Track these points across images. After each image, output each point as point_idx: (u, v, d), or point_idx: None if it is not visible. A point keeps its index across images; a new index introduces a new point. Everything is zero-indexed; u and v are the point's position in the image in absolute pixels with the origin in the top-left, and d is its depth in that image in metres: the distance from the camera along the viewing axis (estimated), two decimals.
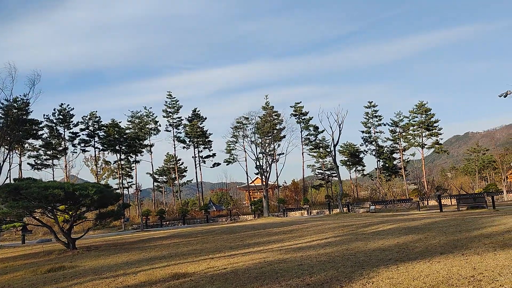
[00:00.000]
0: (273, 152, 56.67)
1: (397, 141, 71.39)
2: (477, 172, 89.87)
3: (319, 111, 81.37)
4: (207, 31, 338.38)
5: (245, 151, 64.61)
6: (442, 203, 51.02)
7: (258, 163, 53.23)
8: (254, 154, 53.38)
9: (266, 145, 56.91)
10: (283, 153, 57.30)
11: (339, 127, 49.48)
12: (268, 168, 52.77)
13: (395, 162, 72.54)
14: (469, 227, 16.08)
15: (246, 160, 65.60)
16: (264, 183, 51.96)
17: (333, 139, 50.51)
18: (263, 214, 51.37)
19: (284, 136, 58.82)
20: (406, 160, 72.19)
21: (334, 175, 74.52)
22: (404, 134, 70.78)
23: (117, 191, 41.40)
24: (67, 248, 19.91)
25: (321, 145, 68.94)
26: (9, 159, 51.51)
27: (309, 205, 55.11)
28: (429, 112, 68.68)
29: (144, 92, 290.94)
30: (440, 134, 68.97)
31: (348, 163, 74.67)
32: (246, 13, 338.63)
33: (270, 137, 59.01)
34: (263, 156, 54.09)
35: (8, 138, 45.36)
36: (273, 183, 67.10)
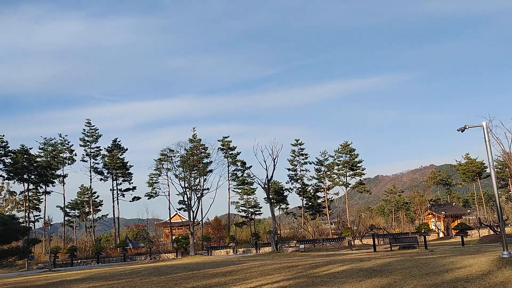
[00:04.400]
0: (199, 187, 53.88)
1: (322, 180, 71.72)
2: (393, 213, 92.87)
3: (254, 144, 79.51)
4: (133, 64, 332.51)
5: (168, 186, 61.34)
6: (366, 242, 51.22)
7: (185, 198, 50.23)
8: (183, 188, 50.36)
9: (192, 179, 54.06)
10: (208, 188, 54.28)
11: (274, 162, 48.28)
12: (196, 203, 49.92)
13: (319, 201, 72.62)
14: (432, 269, 14.77)
15: (169, 195, 62.17)
16: (191, 219, 48.88)
17: (267, 173, 49.14)
18: (187, 252, 48.00)
19: (211, 171, 56.43)
20: (330, 199, 72.56)
21: (257, 212, 73.06)
22: (329, 173, 71.37)
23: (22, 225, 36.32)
24: None
25: (247, 181, 67.29)
26: None
27: (235, 243, 52.64)
28: (353, 152, 70.10)
29: (62, 121, 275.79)
30: (364, 174, 70.44)
31: (272, 200, 73.56)
32: (173, 49, 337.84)
33: (196, 171, 56.30)
34: (189, 191, 51.17)
35: None
36: (197, 220, 63.95)
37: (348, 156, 69.95)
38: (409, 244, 33.91)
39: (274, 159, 48.20)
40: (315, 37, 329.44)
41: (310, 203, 71.68)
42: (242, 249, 52.72)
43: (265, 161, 51.74)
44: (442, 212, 59.13)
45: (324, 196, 71.79)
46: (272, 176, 49.36)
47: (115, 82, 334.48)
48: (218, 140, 65.71)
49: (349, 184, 70.29)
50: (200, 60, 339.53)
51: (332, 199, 73.82)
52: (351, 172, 69.79)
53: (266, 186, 49.77)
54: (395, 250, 33.00)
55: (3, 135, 59.44)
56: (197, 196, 51.07)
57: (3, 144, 58.31)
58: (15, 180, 59.20)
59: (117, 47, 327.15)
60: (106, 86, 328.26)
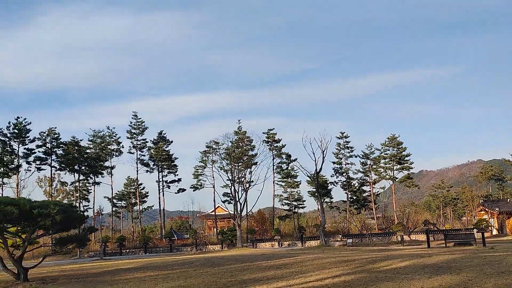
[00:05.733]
0: (244, 179, 53.78)
1: (368, 174, 70.12)
2: (440, 209, 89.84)
3: (303, 135, 78.93)
4: (175, 58, 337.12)
5: (214, 178, 61.59)
6: (415, 238, 49.63)
7: (230, 190, 50.24)
8: (230, 180, 50.39)
9: (237, 171, 54.00)
10: (252, 181, 54.00)
11: (323, 154, 47.43)
12: (243, 196, 49.83)
13: (364, 195, 71.07)
14: (507, 267, 13.79)
15: (214, 187, 62.40)
16: (237, 212, 48.85)
17: (316, 166, 48.44)
18: (233, 244, 48.07)
19: (256, 163, 56.11)
20: (376, 193, 70.92)
21: (301, 206, 72.34)
22: (375, 166, 69.70)
23: None
24: (16, 280, 16.25)
25: (292, 174, 66.65)
26: None
27: (280, 236, 52.25)
28: (400, 146, 68.08)
29: (108, 115, 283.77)
30: (412, 168, 68.36)
31: (316, 194, 72.58)
32: (213, 44, 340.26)
33: (241, 164, 56.21)
34: (235, 184, 51.17)
35: None
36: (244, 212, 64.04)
37: (395, 149, 68.02)
38: (465, 240, 32.42)
39: (323, 151, 47.37)
40: (355, 29, 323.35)
41: (355, 197, 70.28)
42: (287, 242, 52.25)
43: (313, 153, 50.55)
44: (496, 209, 56.36)
45: (369, 190, 70.20)
46: (321, 169, 48.53)
47: (158, 77, 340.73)
48: (263, 133, 65.35)
49: (396, 178, 68.38)
50: (239, 54, 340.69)
51: (378, 193, 72.11)
52: (399, 166, 67.82)
53: (314, 178, 49.04)
54: (450, 246, 31.62)
55: (55, 127, 61.41)
56: (244, 188, 50.92)
57: (55, 136, 60.12)
58: (66, 171, 61.04)
59: (160, 42, 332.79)
60: (150, 80, 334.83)
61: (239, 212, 48.78)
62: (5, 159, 56.49)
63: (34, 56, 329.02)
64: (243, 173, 55.14)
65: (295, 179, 67.90)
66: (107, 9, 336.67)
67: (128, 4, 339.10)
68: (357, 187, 70.22)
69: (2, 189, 56.88)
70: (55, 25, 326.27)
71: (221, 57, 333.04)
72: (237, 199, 49.48)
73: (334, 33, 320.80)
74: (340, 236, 53.27)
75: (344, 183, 69.67)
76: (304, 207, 73.58)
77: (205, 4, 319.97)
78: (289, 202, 70.65)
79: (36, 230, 16.97)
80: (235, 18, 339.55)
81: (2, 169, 56.54)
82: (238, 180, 53.40)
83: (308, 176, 52.49)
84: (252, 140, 59.81)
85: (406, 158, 67.68)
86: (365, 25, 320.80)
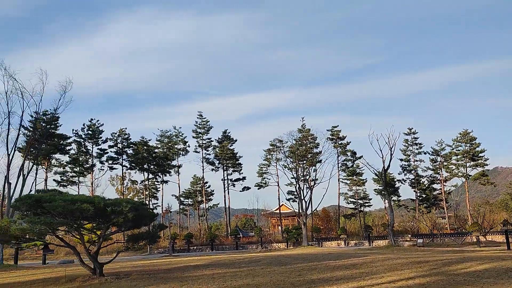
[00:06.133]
0: (309, 177, 53.27)
1: (438, 171, 67.13)
2: None
3: (369, 132, 77.22)
4: (238, 58, 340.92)
5: (278, 176, 61.57)
6: (491, 239, 46.67)
7: (295, 188, 49.92)
8: (295, 178, 50.13)
9: (302, 169, 53.57)
10: (317, 179, 53.23)
11: (391, 151, 46.03)
12: (308, 194, 49.38)
13: (434, 193, 68.12)
14: None
15: (279, 185, 62.38)
16: (303, 210, 48.50)
17: (383, 163, 47.12)
18: (298, 243, 47.77)
19: (320, 161, 55.34)
20: (447, 192, 67.75)
21: (366, 204, 70.57)
22: (445, 163, 66.61)
23: None
24: (92, 274, 16.96)
25: (357, 171, 65.19)
26: (34, 173, 49.47)
27: (346, 235, 51.25)
28: (474, 141, 64.51)
29: (174, 115, 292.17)
30: (487, 164, 64.57)
31: (382, 192, 70.50)
32: (276, 42, 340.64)
33: (305, 162, 55.73)
34: (299, 182, 50.80)
35: (34, 151, 43.36)
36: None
37: (468, 145, 64.55)
38: None
39: (391, 148, 45.94)
40: (421, 22, 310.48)
41: (424, 195, 67.55)
42: (353, 241, 51.16)
43: (381, 150, 49.05)
44: None
45: (440, 188, 67.17)
46: (389, 166, 47.02)
47: (221, 77, 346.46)
48: (327, 130, 64.43)
49: (469, 175, 64.86)
50: (302, 51, 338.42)
51: (450, 191, 68.84)
52: (472, 163, 64.29)
53: (382, 176, 47.64)
54: None
55: (125, 128, 64.22)
56: (309, 186, 50.42)
57: (126, 136, 62.84)
58: (136, 170, 63.60)
59: (222, 43, 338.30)
60: (213, 80, 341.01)
61: (304, 210, 48.37)
62: (80, 159, 59.76)
63: (104, 61, 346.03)
64: (308, 171, 54.61)
65: (360, 177, 66.42)
66: (171, 13, 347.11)
67: (191, 7, 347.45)
68: (426, 185, 67.48)
69: (78, 187, 60.26)
70: (123, 31, 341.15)
71: (284, 55, 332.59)
72: (302, 197, 49.07)
73: (397, 27, 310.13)
74: (409, 236, 51.38)
75: (413, 181, 67.20)
76: (370, 205, 71.78)
77: (267, 3, 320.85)
78: (355, 200, 69.21)
79: (109, 227, 17.62)
80: (297, 16, 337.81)
81: (78, 168, 59.87)
82: (303, 178, 52.95)
83: (375, 173, 51.09)
84: (316, 137, 59.25)
85: (480, 154, 64.05)
86: (430, 18, 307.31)
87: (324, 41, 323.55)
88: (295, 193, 57.58)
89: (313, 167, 54.60)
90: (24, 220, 16.33)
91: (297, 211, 58.82)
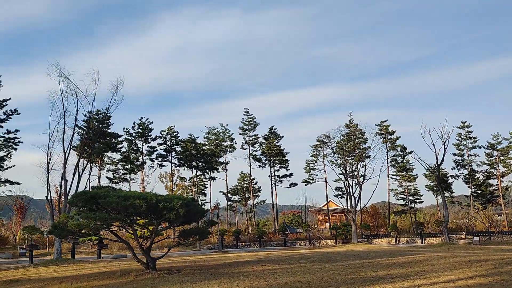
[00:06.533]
0: (357, 173, 52.31)
1: (495, 166, 64.21)
2: None
3: (421, 126, 74.84)
4: (282, 55, 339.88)
5: (325, 172, 60.92)
6: None
7: (344, 185, 49.17)
8: (343, 175, 49.40)
9: (350, 165, 52.71)
10: (366, 175, 52.05)
11: (444, 145, 44.50)
12: (358, 190, 48.56)
13: (490, 189, 65.21)
14: None
15: (326, 181, 61.69)
16: (352, 206, 47.74)
17: (436, 158, 45.61)
18: (347, 240, 47.10)
19: (369, 156, 54.16)
20: (505, 187, 64.66)
21: (417, 200, 68.58)
22: (503, 158, 63.58)
23: None
24: (146, 269, 17.30)
25: (407, 167, 63.41)
26: (88, 171, 51.31)
27: (397, 233, 49.99)
28: None
29: (220, 113, 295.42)
30: None
31: (435, 188, 68.22)
32: (321, 37, 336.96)
33: (353, 157, 54.77)
34: (348, 178, 50.00)
35: (88, 150, 44.91)
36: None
37: None
38: None
39: (445, 142, 44.33)
40: (475, 10, 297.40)
41: (479, 191, 64.82)
42: (404, 238, 49.82)
43: (433, 145, 47.31)
44: None
45: (497, 184, 64.22)
46: (442, 161, 45.39)
47: (267, 73, 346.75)
48: (376, 125, 62.95)
49: None
50: (348, 46, 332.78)
51: (508, 187, 65.64)
52: None
53: (435, 171, 46.12)
54: None
55: (174, 126, 65.53)
56: (358, 182, 49.53)
57: (174, 134, 64.07)
58: (185, 167, 64.77)
59: (267, 40, 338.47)
60: (258, 77, 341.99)
61: (353, 206, 47.56)
62: (131, 156, 61.48)
63: (152, 61, 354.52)
64: (356, 167, 53.65)
65: (411, 173, 64.59)
66: (216, 11, 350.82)
67: (236, 5, 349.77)
68: (481, 181, 64.72)
69: (129, 184, 62.01)
70: (169, 32, 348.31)
71: (330, 50, 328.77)
72: (351, 193, 48.25)
73: (450, 17, 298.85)
74: (464, 233, 49.49)
75: (467, 176, 64.64)
76: (421, 201, 69.65)
77: None
78: (405, 196, 67.37)
79: (161, 223, 17.90)
80: (342, 10, 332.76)
81: (129, 166, 61.65)
82: (351, 174, 52.09)
83: (427, 169, 49.45)
84: (365, 132, 58.00)
85: None
86: (485, 7, 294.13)
87: (370, 35, 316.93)
88: (343, 189, 56.78)
89: (362, 163, 53.56)
90: (81, 215, 16.88)
91: (345, 207, 57.97)
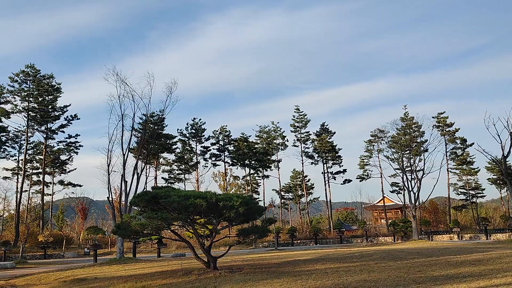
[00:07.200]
0: (415, 168, 50.59)
1: None
2: None
3: (485, 116, 71.51)
4: (329, 51, 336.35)
5: (380, 167, 59.43)
6: None
7: (399, 180, 47.72)
8: (401, 169, 47.95)
9: (406, 160, 51.06)
10: (424, 170, 50.09)
11: (511, 136, 42.21)
12: (417, 185, 46.95)
13: None
14: None
15: (381, 177, 60.17)
16: (411, 202, 46.23)
17: (502, 149, 43.40)
18: (407, 236, 45.72)
19: (426, 150, 52.18)
20: None
21: (479, 195, 65.57)
22: None
23: None
24: (207, 268, 17.39)
25: (468, 160, 60.71)
26: (146, 172, 52.67)
27: (459, 229, 47.95)
28: None
29: (270, 111, 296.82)
30: None
31: (498, 181, 64.89)
32: (370, 31, 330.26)
33: (409, 151, 53.03)
34: (406, 173, 48.44)
35: (144, 152, 46.08)
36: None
37: None
38: None
39: (511, 133, 42.01)
40: None
41: None
42: (468, 235, 47.67)
43: (499, 136, 44.91)
44: None
45: None
46: (509, 152, 42.98)
47: (314, 71, 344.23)
48: (433, 117, 60.63)
49: None
50: (398, 38, 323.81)
51: None
52: None
53: (501, 163, 43.83)
54: None
55: (226, 125, 66.25)
56: (417, 177, 47.87)
57: (227, 133, 64.72)
58: (238, 165, 65.22)
59: (313, 37, 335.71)
60: (306, 75, 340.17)
61: (413, 202, 46.01)
62: (185, 157, 62.63)
63: (202, 63, 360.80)
64: (413, 161, 51.92)
65: (471, 166, 61.85)
66: (261, 11, 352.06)
67: (280, 4, 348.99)
68: None
69: (184, 184, 63.21)
70: (218, 33, 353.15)
71: (379, 44, 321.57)
72: (410, 189, 46.69)
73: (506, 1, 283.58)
74: None
75: None
76: (483, 196, 66.55)
77: None
78: (465, 191, 64.61)
79: (220, 222, 17.94)
80: (391, 2, 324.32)
81: (183, 166, 62.83)
82: (409, 169, 50.47)
83: (492, 161, 47.00)
84: (421, 125, 55.98)
85: None
86: None
87: (421, 26, 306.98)
88: (400, 184, 55.23)
89: (419, 157, 51.75)
90: (143, 215, 17.20)
91: (402, 203, 56.29)
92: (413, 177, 48.72)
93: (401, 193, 55.19)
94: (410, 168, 51.80)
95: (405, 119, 57.47)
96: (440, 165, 52.91)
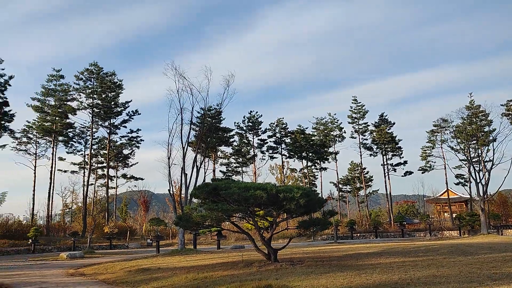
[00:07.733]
0: (483, 158, 48.04)
1: None
2: None
3: None
4: (386, 40, 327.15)
5: (444, 158, 56.95)
6: None
7: (469, 170, 45.43)
8: (467, 160, 45.71)
9: (474, 150, 48.57)
10: (493, 160, 47.31)
11: None
12: (486, 176, 44.59)
13: None
14: None
15: (445, 168, 57.65)
16: (480, 195, 43.97)
17: None
18: (474, 231, 43.59)
19: (495, 140, 49.30)
20: None
21: None
22: None
23: None
24: (267, 260, 17.29)
25: None
26: (204, 165, 53.48)
27: None
28: None
29: (327, 103, 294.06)
30: None
31: None
32: (427, 19, 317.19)
33: (475, 142, 50.40)
34: (473, 164, 46.08)
35: (203, 145, 46.75)
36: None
37: None
38: None
39: None
40: None
41: None
42: None
43: None
44: None
45: None
46: None
47: (372, 60, 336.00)
48: (502, 105, 57.14)
49: None
50: (460, 24, 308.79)
51: None
52: None
53: None
54: None
55: (283, 118, 66.02)
56: (485, 168, 45.44)
57: (284, 126, 64.48)
58: (295, 158, 64.87)
59: (369, 26, 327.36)
60: (363, 65, 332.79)
61: (481, 194, 43.72)
62: (242, 150, 63.04)
63: (257, 55, 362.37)
64: (481, 152, 49.31)
65: None
66: (317, 1, 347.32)
67: None
68: None
69: (242, 177, 63.72)
70: (273, 26, 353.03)
71: (439, 30, 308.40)
72: (478, 180, 44.37)
73: None
74: None
75: None
76: None
77: None
78: None
79: (280, 214, 17.76)
80: None
81: (241, 159, 63.29)
82: (476, 160, 47.99)
83: None
84: (488, 114, 52.98)
85: None
86: None
87: (486, 9, 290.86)
88: (465, 176, 52.73)
89: (487, 147, 49.05)
90: (203, 207, 17.34)
91: (468, 196, 53.76)
92: (481, 168, 46.29)
93: (467, 185, 52.72)
94: (477, 159, 49.26)
95: (471, 108, 54.61)
96: None
